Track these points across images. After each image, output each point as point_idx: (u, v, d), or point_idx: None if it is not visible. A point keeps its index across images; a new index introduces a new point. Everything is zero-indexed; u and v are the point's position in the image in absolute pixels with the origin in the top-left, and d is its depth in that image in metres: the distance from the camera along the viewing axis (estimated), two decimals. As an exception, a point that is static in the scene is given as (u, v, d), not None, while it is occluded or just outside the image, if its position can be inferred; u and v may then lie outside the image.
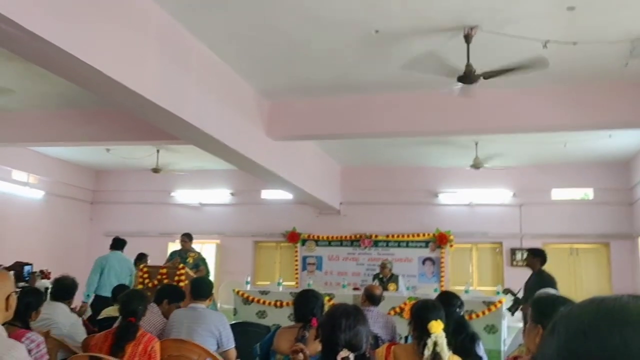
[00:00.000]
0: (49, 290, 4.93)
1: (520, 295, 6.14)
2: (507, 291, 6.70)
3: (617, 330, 0.62)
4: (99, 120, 7.55)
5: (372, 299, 4.99)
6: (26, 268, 6.41)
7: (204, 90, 5.59)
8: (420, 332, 2.73)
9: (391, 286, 8.40)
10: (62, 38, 3.63)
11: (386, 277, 8.42)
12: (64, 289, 4.50)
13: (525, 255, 9.73)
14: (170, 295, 4.70)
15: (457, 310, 3.68)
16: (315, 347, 2.65)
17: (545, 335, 0.69)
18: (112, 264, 7.61)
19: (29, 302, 3.48)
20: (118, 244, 7.92)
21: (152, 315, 4.24)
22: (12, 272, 5.64)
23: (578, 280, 9.71)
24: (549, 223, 9.79)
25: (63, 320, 4.40)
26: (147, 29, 4.61)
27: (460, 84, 5.06)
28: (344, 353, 2.05)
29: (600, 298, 0.69)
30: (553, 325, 0.69)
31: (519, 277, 9.60)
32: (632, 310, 0.64)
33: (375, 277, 8.55)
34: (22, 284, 5.37)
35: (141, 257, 8.61)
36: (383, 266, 8.46)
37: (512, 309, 6.36)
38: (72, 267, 8.21)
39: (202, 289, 4.39)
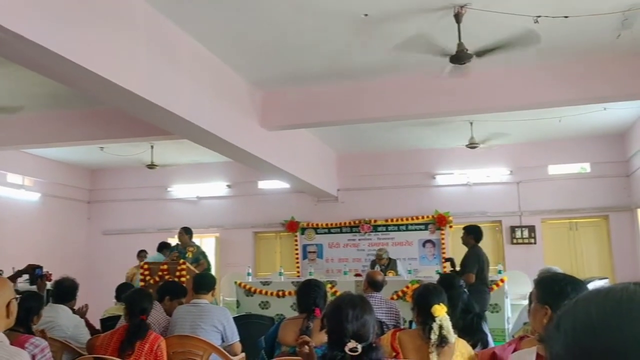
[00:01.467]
0: (50, 293, 4.91)
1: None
2: (448, 260, 6.98)
3: (628, 323, 0.60)
4: (92, 119, 7.49)
5: (374, 285, 5.00)
6: (37, 271, 6.46)
7: (195, 84, 5.54)
8: (425, 317, 2.72)
9: (390, 273, 8.39)
10: (47, 38, 3.57)
11: (384, 265, 8.42)
12: (65, 291, 4.50)
13: (519, 232, 9.85)
14: (172, 291, 4.69)
15: (464, 291, 3.73)
16: (321, 337, 2.64)
17: (551, 331, 0.67)
18: None
19: (30, 307, 3.47)
20: (158, 247, 8.83)
21: (156, 313, 4.23)
22: (26, 276, 5.63)
23: (579, 255, 9.74)
24: (547, 199, 9.80)
25: (66, 322, 4.39)
26: (134, 25, 4.54)
27: (452, 65, 5.03)
28: (351, 344, 2.03)
29: (606, 289, 0.66)
30: (558, 320, 0.67)
31: (519, 255, 9.69)
32: None
33: (373, 265, 8.56)
34: (34, 286, 5.37)
35: (139, 254, 8.82)
36: (379, 257, 8.45)
37: None
38: (72, 268, 8.19)
39: (203, 282, 4.40)
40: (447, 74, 5.23)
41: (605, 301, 0.64)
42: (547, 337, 0.68)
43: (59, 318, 4.37)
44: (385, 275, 8.13)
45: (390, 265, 8.53)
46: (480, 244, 6.50)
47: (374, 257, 8.68)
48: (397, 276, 8.08)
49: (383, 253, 8.55)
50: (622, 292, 0.64)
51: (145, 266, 7.09)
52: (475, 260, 6.25)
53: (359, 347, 2.04)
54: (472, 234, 6.55)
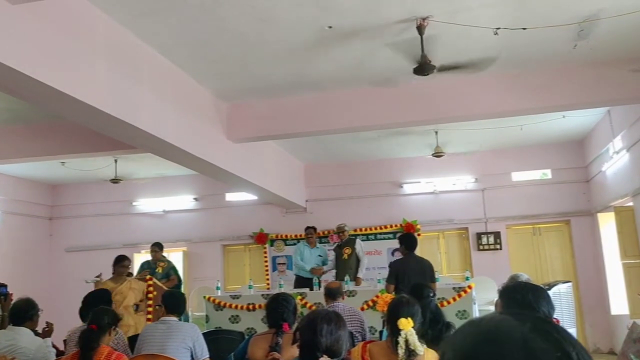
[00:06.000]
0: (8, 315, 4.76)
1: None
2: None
3: (495, 351, 0.69)
4: (52, 134, 7.30)
5: (330, 294, 5.00)
6: (2, 289, 6.25)
7: (158, 97, 5.46)
8: (392, 329, 2.73)
9: (346, 250, 8.38)
10: (1, 52, 3.47)
11: (341, 240, 8.47)
12: (20, 313, 4.38)
13: (485, 239, 10.03)
14: (96, 302, 4.57)
15: (432, 300, 3.75)
16: (292, 353, 2.62)
17: None
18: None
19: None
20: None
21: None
22: None
23: (543, 259, 9.94)
24: (511, 205, 9.98)
25: (28, 345, 4.26)
26: (94, 38, 4.46)
27: (416, 75, 5.10)
28: (324, 359, 2.02)
29: (479, 320, 0.77)
30: (442, 353, 0.76)
31: (486, 261, 9.83)
32: (505, 329, 0.71)
33: (336, 247, 8.59)
34: None
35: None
36: (339, 230, 8.50)
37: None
38: (34, 287, 7.96)
39: (175, 304, 4.32)
40: (412, 85, 5.31)
41: (477, 331, 0.73)
42: None
43: (20, 341, 4.23)
44: (341, 253, 8.14)
45: (348, 242, 8.46)
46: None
47: (335, 239, 8.73)
48: (353, 257, 8.24)
49: (343, 225, 8.53)
50: (490, 322, 0.74)
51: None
52: (392, 272, 6.49)
53: (332, 362, 2.03)
54: (401, 242, 6.73)
